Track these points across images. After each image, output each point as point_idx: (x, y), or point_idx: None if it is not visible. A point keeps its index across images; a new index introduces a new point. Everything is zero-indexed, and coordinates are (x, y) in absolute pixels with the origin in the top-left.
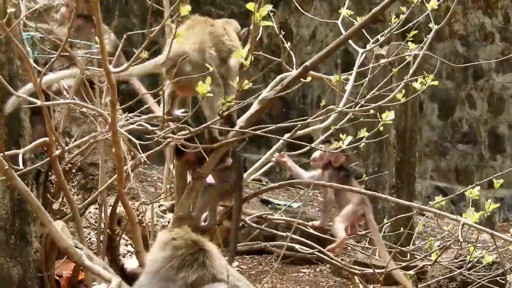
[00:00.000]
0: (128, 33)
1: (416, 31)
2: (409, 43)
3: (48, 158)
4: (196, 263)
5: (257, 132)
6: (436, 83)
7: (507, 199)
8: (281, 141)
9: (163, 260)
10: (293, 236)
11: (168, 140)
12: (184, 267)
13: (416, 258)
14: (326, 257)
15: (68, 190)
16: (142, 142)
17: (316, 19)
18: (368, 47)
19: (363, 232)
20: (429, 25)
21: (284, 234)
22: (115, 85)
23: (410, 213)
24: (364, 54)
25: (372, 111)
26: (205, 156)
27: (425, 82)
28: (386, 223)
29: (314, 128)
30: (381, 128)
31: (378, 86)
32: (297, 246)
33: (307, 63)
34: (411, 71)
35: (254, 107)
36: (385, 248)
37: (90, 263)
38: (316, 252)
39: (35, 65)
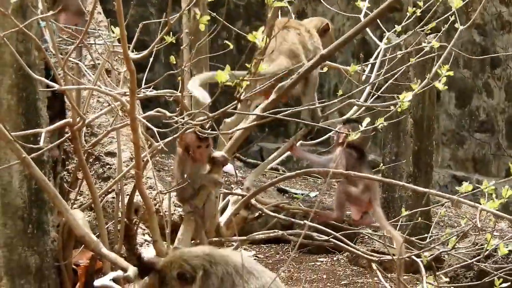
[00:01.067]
0: (145, 22)
1: (434, 23)
2: (429, 35)
3: (68, 135)
4: (240, 278)
5: (276, 116)
6: (451, 73)
7: None
8: (302, 131)
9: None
10: (310, 224)
11: (187, 126)
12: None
13: (433, 246)
14: (344, 245)
15: (88, 169)
16: (159, 130)
17: (332, 9)
18: (388, 35)
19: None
20: (448, 15)
21: (301, 222)
22: (134, 72)
23: (429, 207)
24: (382, 46)
25: (389, 99)
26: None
27: (441, 72)
28: (405, 215)
29: (333, 121)
30: (399, 110)
31: (395, 76)
32: (314, 234)
33: (323, 52)
34: (434, 70)
35: (271, 96)
36: (394, 230)
37: (107, 251)
38: (333, 240)
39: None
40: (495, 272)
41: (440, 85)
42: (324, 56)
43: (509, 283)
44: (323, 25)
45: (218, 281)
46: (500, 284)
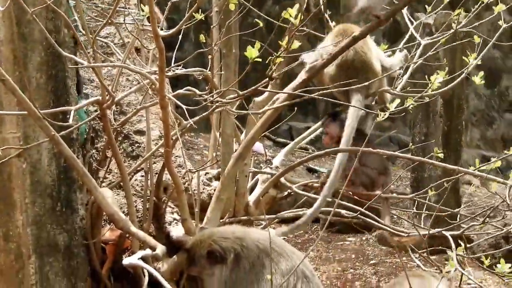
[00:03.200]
0: (174, 0)
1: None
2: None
3: (97, 113)
4: (270, 261)
5: (307, 95)
6: (479, 62)
7: None
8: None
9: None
10: (340, 202)
11: (216, 104)
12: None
13: (463, 225)
14: (373, 221)
15: (117, 148)
16: (189, 108)
17: None
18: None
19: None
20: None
21: (329, 199)
22: (163, 49)
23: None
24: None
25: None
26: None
27: (468, 60)
28: (436, 192)
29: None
30: (430, 91)
31: (426, 55)
32: (343, 212)
33: (356, 33)
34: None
35: (301, 75)
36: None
37: (135, 230)
38: (362, 216)
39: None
40: None
41: (477, 79)
42: (357, 37)
43: None
44: None
45: (249, 265)
46: None
